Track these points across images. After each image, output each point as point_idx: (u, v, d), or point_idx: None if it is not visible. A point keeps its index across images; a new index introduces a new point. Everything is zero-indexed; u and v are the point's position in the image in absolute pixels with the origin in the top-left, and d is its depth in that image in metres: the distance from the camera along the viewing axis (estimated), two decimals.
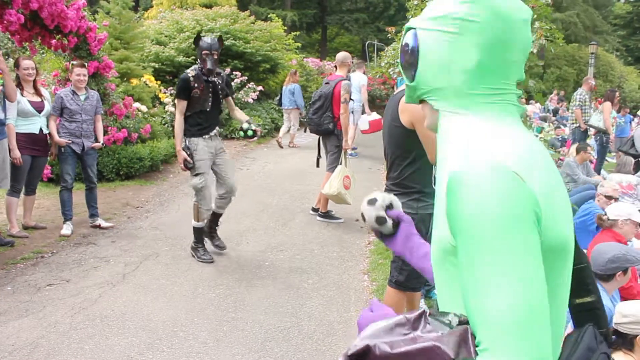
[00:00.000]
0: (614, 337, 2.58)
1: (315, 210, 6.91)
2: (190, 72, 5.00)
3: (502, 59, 1.10)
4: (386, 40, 19.70)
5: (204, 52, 4.95)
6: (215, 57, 4.98)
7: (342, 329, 4.03)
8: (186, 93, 4.97)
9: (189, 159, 4.98)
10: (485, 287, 0.95)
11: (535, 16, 4.45)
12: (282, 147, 12.07)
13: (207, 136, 5.12)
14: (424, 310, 1.04)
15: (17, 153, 5.50)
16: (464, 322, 0.99)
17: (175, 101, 5.17)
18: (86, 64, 6.53)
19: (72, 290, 4.56)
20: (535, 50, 4.54)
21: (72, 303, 4.30)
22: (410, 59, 1.19)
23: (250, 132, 5.18)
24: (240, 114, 5.45)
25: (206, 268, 5.10)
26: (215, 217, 5.45)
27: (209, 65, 4.90)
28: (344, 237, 6.20)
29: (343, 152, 6.42)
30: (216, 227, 5.55)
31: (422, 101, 1.21)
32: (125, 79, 9.91)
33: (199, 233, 5.33)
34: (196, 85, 4.97)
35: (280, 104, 12.42)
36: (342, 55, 6.86)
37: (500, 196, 0.96)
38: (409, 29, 1.20)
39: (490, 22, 1.09)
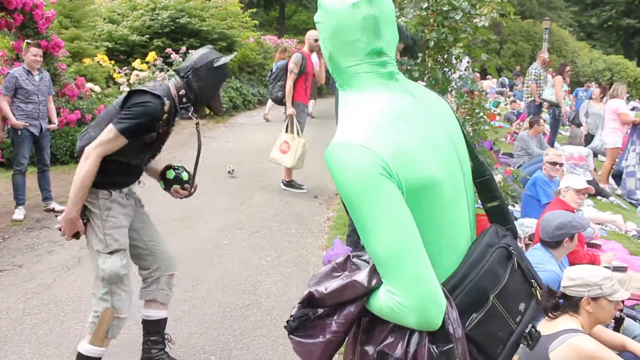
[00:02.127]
0: (560, 300, 2.67)
1: (287, 183, 7.09)
2: (166, 100, 2.75)
3: (342, 42, 1.38)
4: None
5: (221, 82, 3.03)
6: None
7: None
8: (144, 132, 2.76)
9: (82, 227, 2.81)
10: (363, 233, 1.26)
11: None
12: (268, 121, 12.39)
13: (126, 190, 3.00)
14: (347, 255, 1.39)
15: None
16: None
17: (110, 134, 2.67)
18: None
19: (25, 275, 4.46)
20: (486, 24, 4.59)
21: (25, 288, 4.22)
22: None
23: (185, 176, 3.24)
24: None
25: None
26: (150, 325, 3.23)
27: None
28: (303, 214, 6.21)
29: (288, 118, 6.76)
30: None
31: None
32: (77, 58, 9.64)
33: None
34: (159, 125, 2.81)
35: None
36: (308, 32, 7.14)
37: (346, 166, 1.26)
38: None
39: (325, 19, 1.39)
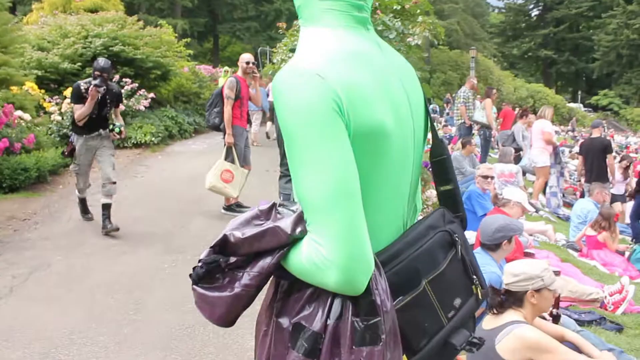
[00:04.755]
0: (503, 297, 2.78)
1: (227, 207, 7.07)
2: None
3: None
4: (279, 40, 19.84)
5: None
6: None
7: (248, 321, 3.99)
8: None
9: None
10: (296, 171, 1.11)
11: (419, 11, 4.71)
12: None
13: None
14: (274, 202, 1.21)
15: None
16: None
17: None
18: None
19: None
20: (419, 42, 4.79)
21: None
22: None
23: (117, 129, 5.95)
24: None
25: (104, 274, 4.90)
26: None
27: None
28: None
29: (227, 147, 6.77)
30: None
31: None
32: (4, 85, 9.30)
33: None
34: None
35: None
36: (241, 56, 7.17)
37: (296, 92, 1.11)
38: None
39: None
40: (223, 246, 1.19)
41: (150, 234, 6.10)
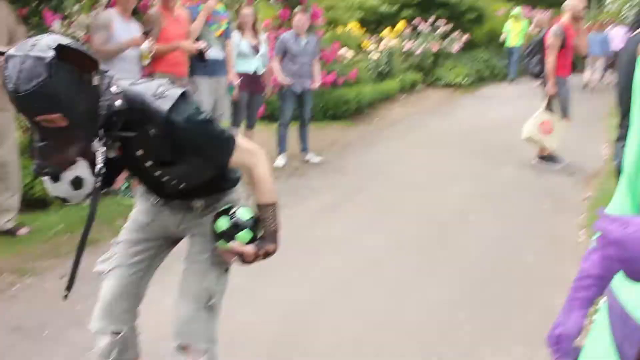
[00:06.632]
0: None
1: (541, 157, 6.84)
2: None
3: None
4: None
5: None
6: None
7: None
8: None
9: None
10: None
11: None
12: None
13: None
14: None
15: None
16: None
17: None
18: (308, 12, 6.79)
19: (286, 215, 4.83)
20: None
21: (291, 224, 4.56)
22: None
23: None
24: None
25: (415, 205, 5.12)
26: None
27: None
28: (556, 190, 5.81)
29: (548, 96, 6.48)
30: None
31: None
32: (332, 25, 10.23)
33: None
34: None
35: None
36: (566, 2, 6.65)
37: None
38: None
39: None
40: None
41: (458, 175, 6.14)
